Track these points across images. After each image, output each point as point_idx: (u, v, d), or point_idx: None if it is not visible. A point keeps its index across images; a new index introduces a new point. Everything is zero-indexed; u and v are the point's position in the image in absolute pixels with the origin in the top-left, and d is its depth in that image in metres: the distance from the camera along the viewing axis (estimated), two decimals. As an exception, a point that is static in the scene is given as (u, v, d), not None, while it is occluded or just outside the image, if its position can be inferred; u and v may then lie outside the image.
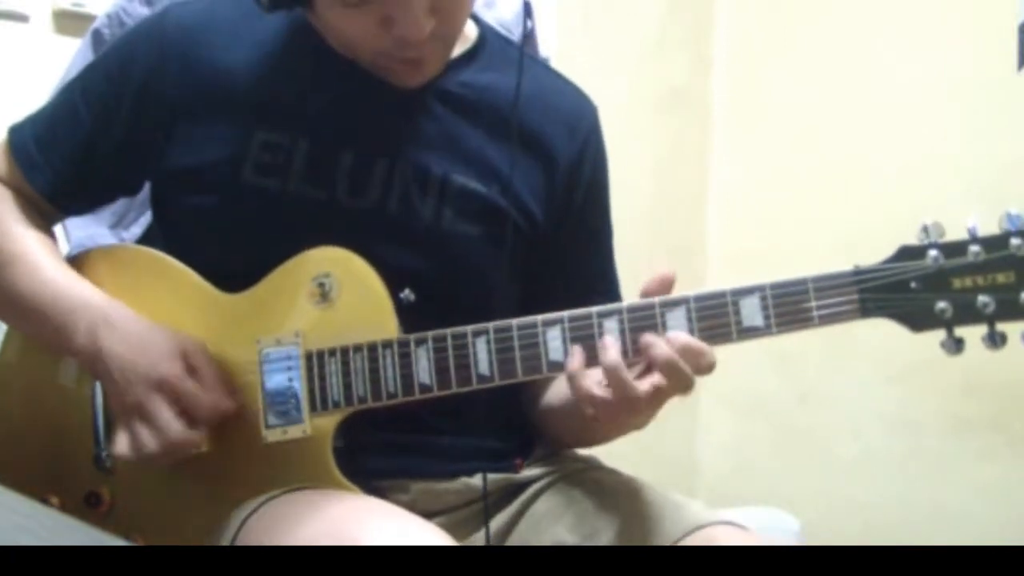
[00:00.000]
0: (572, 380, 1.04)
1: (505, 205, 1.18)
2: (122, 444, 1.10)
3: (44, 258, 1.20)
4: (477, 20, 1.25)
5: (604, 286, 1.29)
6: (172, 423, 1.07)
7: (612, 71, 2.58)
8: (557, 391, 1.23)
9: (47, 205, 1.24)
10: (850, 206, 2.56)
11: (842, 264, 1.02)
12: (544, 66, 1.37)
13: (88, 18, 1.76)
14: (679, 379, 1.02)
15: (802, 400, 2.67)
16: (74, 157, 1.21)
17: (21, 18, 1.87)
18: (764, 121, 2.80)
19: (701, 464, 2.81)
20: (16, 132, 1.24)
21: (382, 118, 1.17)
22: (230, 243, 1.16)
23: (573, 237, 1.26)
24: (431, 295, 1.14)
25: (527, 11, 1.75)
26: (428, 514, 1.09)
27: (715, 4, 2.87)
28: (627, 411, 1.04)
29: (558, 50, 2.07)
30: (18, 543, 0.93)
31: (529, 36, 1.77)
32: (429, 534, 0.97)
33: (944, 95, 2.45)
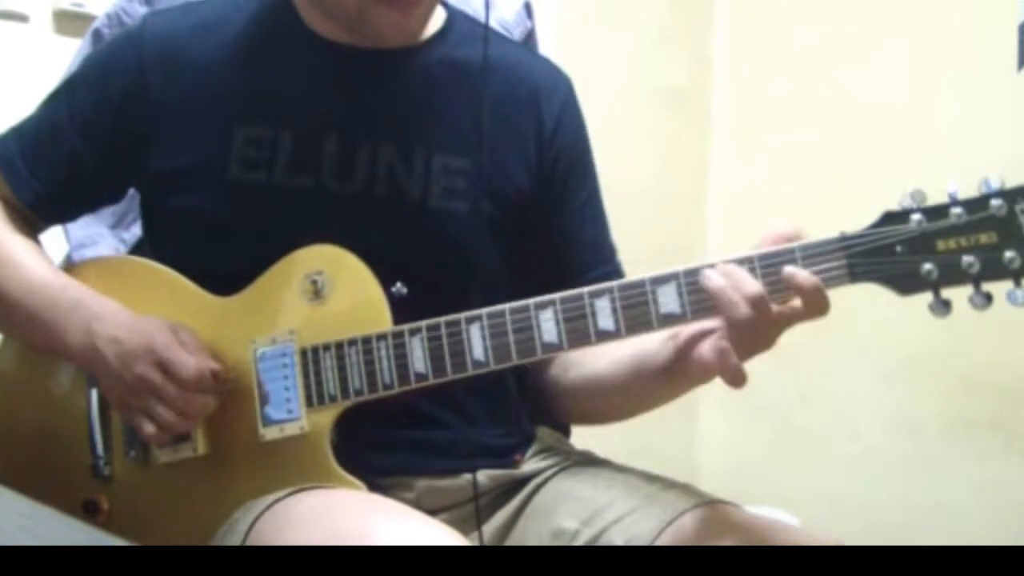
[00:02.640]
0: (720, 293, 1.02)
1: (491, 177, 1.19)
2: (145, 426, 1.10)
3: (31, 261, 1.20)
4: (444, 3, 1.25)
5: (602, 255, 1.29)
6: (172, 388, 1.08)
7: (612, 71, 2.58)
8: (618, 354, 1.19)
9: (31, 215, 1.25)
10: (850, 206, 2.54)
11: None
12: (514, 43, 1.37)
13: (88, 18, 1.76)
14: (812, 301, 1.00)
15: (802, 399, 2.67)
16: (59, 168, 1.22)
17: (21, 18, 1.86)
18: (764, 121, 2.79)
19: (701, 464, 2.80)
20: (1, 144, 1.25)
21: (362, 99, 1.18)
22: (221, 242, 1.17)
23: (562, 209, 1.25)
24: (421, 276, 1.13)
25: (527, 11, 1.75)
26: (432, 511, 1.10)
27: (715, 4, 2.87)
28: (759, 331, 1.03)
29: (558, 50, 2.07)
30: (18, 543, 0.93)
31: (529, 36, 1.77)
32: (441, 534, 0.97)
33: (944, 95, 2.45)
